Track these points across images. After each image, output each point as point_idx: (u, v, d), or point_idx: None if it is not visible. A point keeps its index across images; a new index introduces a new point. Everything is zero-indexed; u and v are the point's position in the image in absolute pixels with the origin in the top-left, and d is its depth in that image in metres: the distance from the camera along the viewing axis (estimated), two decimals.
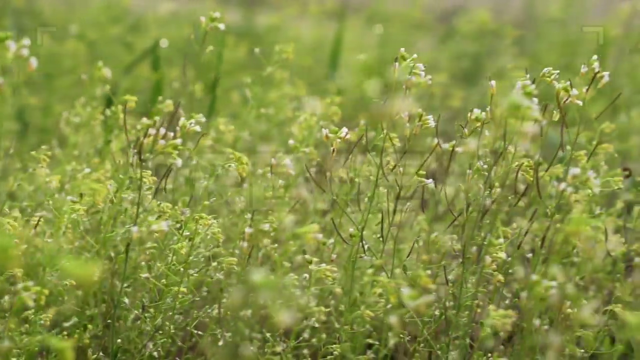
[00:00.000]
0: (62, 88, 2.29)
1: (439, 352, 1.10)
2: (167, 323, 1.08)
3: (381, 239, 1.19)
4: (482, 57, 3.28)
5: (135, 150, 1.00)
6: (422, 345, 1.11)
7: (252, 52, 2.36)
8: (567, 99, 1.08)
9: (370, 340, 1.17)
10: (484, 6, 3.59)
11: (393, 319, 0.86)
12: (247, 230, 0.99)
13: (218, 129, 1.70)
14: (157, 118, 1.12)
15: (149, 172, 1.08)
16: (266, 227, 0.98)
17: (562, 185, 0.96)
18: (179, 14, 3.11)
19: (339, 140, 1.21)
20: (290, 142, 1.38)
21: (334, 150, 1.22)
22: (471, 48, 3.13)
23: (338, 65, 2.72)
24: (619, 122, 1.88)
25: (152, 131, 0.99)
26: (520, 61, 3.03)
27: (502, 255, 1.02)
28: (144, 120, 1.00)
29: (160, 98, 1.46)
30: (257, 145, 1.74)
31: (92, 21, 2.83)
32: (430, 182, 1.15)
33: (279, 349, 1.05)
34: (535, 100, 1.03)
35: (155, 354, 1.07)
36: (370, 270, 0.99)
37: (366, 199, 1.21)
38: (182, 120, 1.21)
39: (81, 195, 1.00)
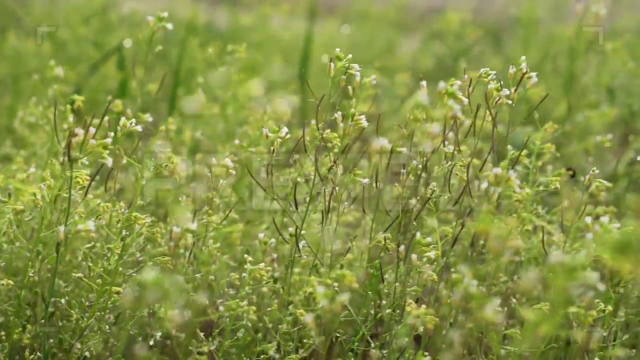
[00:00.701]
0: (28, 88, 2.29)
1: (376, 351, 1.11)
2: (101, 323, 1.08)
3: (323, 238, 1.19)
4: (459, 58, 3.29)
5: (65, 150, 1.00)
6: (357, 344, 1.11)
7: (223, 52, 2.37)
8: (498, 99, 1.09)
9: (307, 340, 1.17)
10: (464, 7, 3.60)
11: (308, 319, 0.87)
12: (175, 229, 0.99)
13: (177, 129, 1.70)
14: (94, 118, 1.12)
15: (84, 172, 1.08)
16: (193, 226, 0.98)
17: (484, 185, 0.96)
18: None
19: (279, 139, 1.22)
20: (236, 141, 1.38)
21: (273, 150, 1.22)
22: (445, 49, 3.14)
23: (308, 65, 2.72)
24: (577, 122, 1.89)
25: (79, 131, 0.99)
26: (494, 61, 3.04)
27: (431, 254, 1.03)
28: (70, 120, 1.00)
29: (109, 98, 1.46)
30: (216, 145, 1.74)
31: (64, 21, 2.83)
32: (366, 182, 1.15)
33: (205, 349, 1.05)
34: (466, 100, 1.04)
35: (87, 354, 1.07)
36: (297, 270, 1.00)
37: (307, 199, 1.21)
38: (122, 120, 1.22)
39: (9, 195, 1.00)
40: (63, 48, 2.59)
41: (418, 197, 1.06)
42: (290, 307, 1.09)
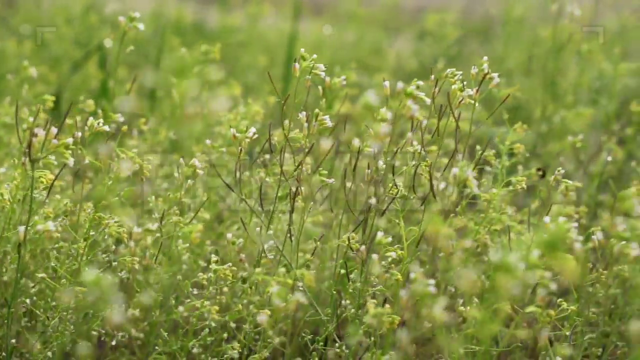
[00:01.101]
0: (8, 88, 2.28)
1: (337, 350, 1.11)
2: (65, 323, 1.08)
3: (291, 238, 1.20)
4: (443, 58, 3.29)
5: (26, 150, 1.00)
6: (321, 343, 1.12)
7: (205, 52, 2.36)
8: (461, 100, 1.09)
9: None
10: (455, 6, 3.60)
11: (261, 318, 0.87)
12: (135, 230, 0.99)
13: (154, 129, 1.70)
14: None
15: (47, 172, 1.08)
16: (154, 226, 0.98)
17: (443, 185, 0.97)
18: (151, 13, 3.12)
19: (247, 139, 1.22)
20: (207, 141, 1.38)
21: (240, 150, 1.22)
22: (430, 49, 3.14)
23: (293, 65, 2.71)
24: (554, 122, 1.89)
25: (40, 131, 0.99)
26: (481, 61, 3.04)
27: (392, 254, 1.03)
28: (30, 119, 1.00)
29: (81, 98, 1.46)
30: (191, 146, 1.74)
31: (49, 21, 2.83)
32: (331, 182, 1.16)
33: (167, 348, 1.05)
34: (428, 100, 1.04)
35: (50, 354, 1.07)
36: (258, 270, 1.00)
37: (276, 199, 1.21)
38: (90, 120, 1.22)
39: None
40: (46, 48, 2.59)
41: (378, 197, 1.06)
42: (251, 307, 1.09)
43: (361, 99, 0.89)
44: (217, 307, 1.07)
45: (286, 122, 1.19)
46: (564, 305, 1.08)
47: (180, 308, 1.09)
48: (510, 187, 1.26)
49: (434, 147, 1.27)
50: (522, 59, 2.76)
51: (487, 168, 1.35)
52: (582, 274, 1.11)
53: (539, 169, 1.39)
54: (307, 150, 1.16)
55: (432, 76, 1.16)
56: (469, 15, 3.78)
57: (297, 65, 1.15)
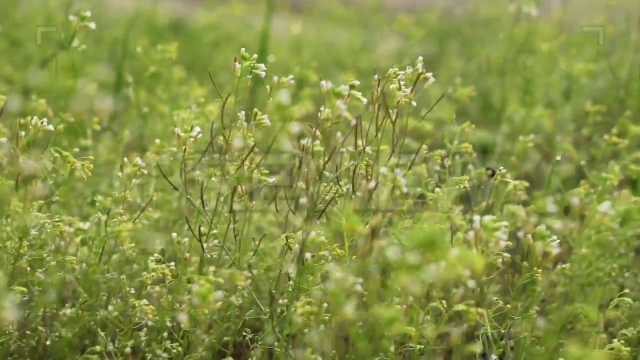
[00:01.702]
0: None
1: (276, 349, 1.11)
2: None
3: (236, 237, 1.20)
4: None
5: None
6: (260, 342, 1.12)
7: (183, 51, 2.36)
8: (399, 99, 1.10)
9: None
10: (437, 5, 3.60)
11: (182, 317, 0.87)
12: (68, 229, 0.99)
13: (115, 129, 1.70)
14: None
15: None
16: (85, 226, 0.98)
17: (372, 184, 0.97)
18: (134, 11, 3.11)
19: (191, 139, 1.22)
20: (157, 141, 1.38)
21: (185, 150, 1.23)
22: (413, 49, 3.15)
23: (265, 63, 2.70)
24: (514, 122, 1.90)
25: None
26: (457, 62, 3.05)
27: (325, 253, 1.04)
28: None
29: (33, 97, 1.46)
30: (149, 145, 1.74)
31: (25, 20, 2.83)
32: (272, 181, 1.16)
33: (98, 348, 1.06)
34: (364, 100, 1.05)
35: None
36: (190, 269, 1.00)
37: (222, 198, 1.22)
38: (34, 119, 1.22)
39: None
40: (19, 48, 2.59)
41: (310, 196, 1.06)
42: (183, 306, 1.09)
43: (273, 99, 0.89)
44: (152, 307, 1.07)
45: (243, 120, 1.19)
46: (500, 303, 1.09)
47: (110, 307, 1.09)
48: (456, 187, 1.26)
49: (383, 147, 1.28)
50: (495, 58, 2.76)
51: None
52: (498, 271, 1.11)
53: (488, 169, 1.39)
54: (251, 149, 1.16)
55: (375, 76, 1.16)
56: (453, 15, 3.79)
57: (237, 65, 1.15)
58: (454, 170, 1.41)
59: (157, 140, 1.38)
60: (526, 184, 1.36)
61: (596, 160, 1.63)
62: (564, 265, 1.29)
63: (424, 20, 3.37)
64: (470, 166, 1.42)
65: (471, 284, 0.83)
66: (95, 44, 2.78)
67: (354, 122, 1.05)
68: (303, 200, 1.05)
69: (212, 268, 0.95)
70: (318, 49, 3.19)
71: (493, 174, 1.39)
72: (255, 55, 1.16)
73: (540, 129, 2.02)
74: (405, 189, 0.97)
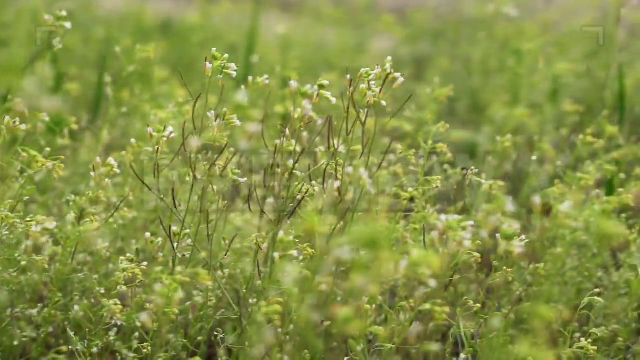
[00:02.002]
0: None
1: (245, 349, 1.11)
2: None
3: (208, 237, 1.20)
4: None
5: None
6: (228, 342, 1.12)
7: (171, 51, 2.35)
8: (370, 99, 1.10)
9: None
10: (430, 5, 3.59)
11: (143, 317, 0.87)
12: (34, 228, 0.99)
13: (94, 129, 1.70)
14: None
15: None
16: (51, 225, 0.98)
17: (337, 184, 0.97)
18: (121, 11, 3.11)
19: (164, 139, 1.22)
20: (132, 140, 1.38)
21: (158, 149, 1.23)
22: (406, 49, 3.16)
23: (251, 64, 2.70)
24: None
25: None
26: (445, 62, 3.05)
27: (293, 252, 1.04)
28: None
29: (9, 97, 1.46)
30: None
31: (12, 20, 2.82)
32: (243, 181, 1.16)
33: (64, 348, 1.06)
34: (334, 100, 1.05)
35: None
36: (158, 269, 1.00)
37: (196, 198, 1.22)
38: (6, 119, 1.22)
39: None
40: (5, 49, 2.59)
41: (275, 196, 1.07)
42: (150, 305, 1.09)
43: (232, 98, 0.89)
44: (120, 307, 1.07)
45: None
46: (470, 302, 1.09)
47: (76, 307, 1.09)
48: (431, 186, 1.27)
49: (357, 147, 1.28)
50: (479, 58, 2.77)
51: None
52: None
53: (463, 168, 1.40)
54: (222, 149, 1.16)
55: (348, 75, 1.16)
56: (444, 14, 3.78)
57: (208, 64, 1.15)
58: (432, 171, 1.41)
59: (133, 140, 1.38)
60: (501, 183, 1.36)
61: (580, 160, 1.63)
62: (537, 265, 1.29)
63: (414, 19, 3.37)
64: (446, 166, 1.42)
65: (433, 283, 0.83)
66: (84, 44, 2.79)
67: (320, 122, 1.05)
68: (270, 200, 1.06)
69: (179, 268, 0.95)
70: (307, 49, 3.18)
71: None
72: (226, 56, 1.16)
73: (525, 128, 2.02)
74: (370, 189, 0.97)
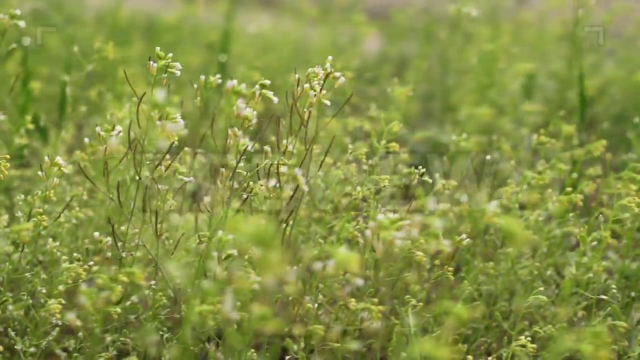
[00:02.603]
0: None
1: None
2: None
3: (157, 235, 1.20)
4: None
5: None
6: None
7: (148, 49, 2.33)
8: (314, 98, 1.10)
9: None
10: (415, 3, 3.59)
11: (70, 317, 0.87)
12: None
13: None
14: None
15: None
16: None
17: (272, 183, 0.97)
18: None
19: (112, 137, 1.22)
20: (86, 140, 1.38)
21: (106, 148, 1.23)
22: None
23: (228, 61, 2.69)
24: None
25: None
26: (421, 61, 3.05)
27: (233, 252, 1.04)
28: None
29: None
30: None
31: None
32: (190, 180, 1.16)
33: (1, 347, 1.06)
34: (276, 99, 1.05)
35: None
36: (97, 268, 1.00)
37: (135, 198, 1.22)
38: None
39: None
40: None
41: (211, 195, 1.07)
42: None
43: (149, 98, 0.89)
44: (59, 306, 1.07)
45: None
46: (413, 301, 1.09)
47: (10, 307, 1.09)
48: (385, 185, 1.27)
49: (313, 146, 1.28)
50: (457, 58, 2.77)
51: None
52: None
53: (416, 168, 1.40)
54: (169, 149, 1.16)
55: (297, 75, 1.17)
56: (428, 14, 3.78)
57: (153, 64, 1.15)
58: (384, 170, 1.41)
59: (86, 140, 1.38)
60: (454, 182, 1.37)
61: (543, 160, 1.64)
62: (486, 264, 1.30)
63: (396, 19, 3.37)
64: (399, 165, 1.42)
65: (359, 282, 0.84)
66: (63, 43, 2.78)
67: (254, 120, 1.05)
68: (206, 198, 1.06)
69: (114, 267, 0.95)
70: (287, 48, 3.16)
71: (423, 174, 1.39)
72: (171, 55, 1.16)
73: (493, 128, 2.02)
74: (305, 188, 0.98)
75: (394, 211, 1.41)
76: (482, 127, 1.99)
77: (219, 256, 1.02)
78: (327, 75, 1.09)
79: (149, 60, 1.14)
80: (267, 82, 1.06)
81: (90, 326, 1.02)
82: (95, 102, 2.04)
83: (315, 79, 1.11)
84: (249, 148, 1.11)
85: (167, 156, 1.18)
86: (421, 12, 3.66)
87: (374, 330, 1.00)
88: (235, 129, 1.04)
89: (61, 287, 1.10)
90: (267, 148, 1.15)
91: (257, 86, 1.07)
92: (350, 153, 1.29)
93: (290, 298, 1.08)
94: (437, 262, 1.15)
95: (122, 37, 2.91)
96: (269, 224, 0.71)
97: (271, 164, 1.12)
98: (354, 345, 0.92)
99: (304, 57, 3.16)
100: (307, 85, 1.11)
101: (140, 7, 3.30)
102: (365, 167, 1.33)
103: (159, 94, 0.90)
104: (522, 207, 1.42)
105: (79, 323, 0.93)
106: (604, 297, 1.19)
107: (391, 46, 3.34)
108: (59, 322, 1.10)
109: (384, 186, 1.24)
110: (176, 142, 1.17)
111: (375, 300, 0.99)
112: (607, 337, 0.79)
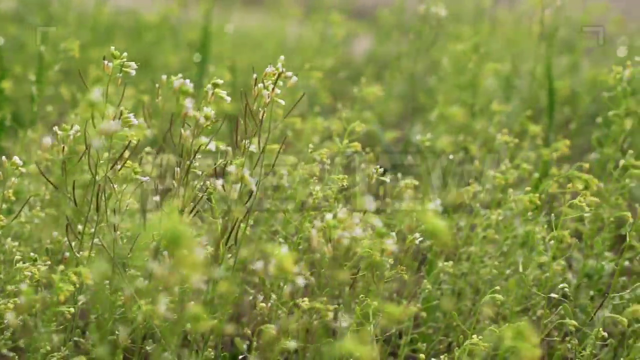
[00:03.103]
0: None
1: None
2: None
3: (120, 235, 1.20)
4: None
5: None
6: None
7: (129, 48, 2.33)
8: (268, 98, 1.10)
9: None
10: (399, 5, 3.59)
11: (9, 317, 0.87)
12: None
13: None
14: None
15: None
16: None
17: (218, 182, 0.98)
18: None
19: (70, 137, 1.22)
20: (46, 140, 1.38)
21: (63, 149, 1.23)
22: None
23: (207, 61, 2.67)
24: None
25: None
26: (405, 61, 3.04)
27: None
28: None
29: None
30: None
31: None
32: (146, 180, 1.16)
33: None
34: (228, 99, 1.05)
35: None
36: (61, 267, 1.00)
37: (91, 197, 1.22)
38: None
39: None
40: None
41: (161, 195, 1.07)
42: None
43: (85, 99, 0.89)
44: (10, 306, 1.07)
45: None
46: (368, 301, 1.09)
47: None
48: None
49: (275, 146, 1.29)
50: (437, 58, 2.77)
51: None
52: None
53: (379, 167, 1.40)
54: (125, 149, 1.16)
55: (254, 75, 1.16)
56: (414, 14, 3.77)
57: (108, 63, 1.15)
58: (348, 170, 1.41)
59: (47, 140, 1.38)
60: (416, 182, 1.37)
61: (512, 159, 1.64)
62: (446, 263, 1.30)
63: (382, 19, 3.37)
64: (362, 165, 1.42)
65: (301, 281, 0.84)
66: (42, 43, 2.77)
67: (201, 119, 1.05)
68: (156, 198, 1.06)
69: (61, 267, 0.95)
70: (270, 46, 3.15)
71: (384, 173, 1.39)
72: (125, 54, 1.16)
73: (469, 127, 2.03)
74: (254, 188, 0.97)
75: (352, 211, 1.41)
76: (456, 128, 1.99)
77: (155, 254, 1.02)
78: (279, 75, 1.09)
79: (103, 59, 1.14)
80: (220, 81, 1.06)
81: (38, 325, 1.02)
82: (68, 101, 2.04)
83: (270, 79, 1.11)
84: (210, 147, 1.11)
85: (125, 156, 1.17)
86: (403, 12, 3.66)
87: (313, 328, 1.01)
88: (185, 130, 1.04)
89: (9, 287, 1.10)
90: (223, 147, 1.15)
91: (210, 86, 1.07)
92: (311, 152, 1.29)
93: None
94: (390, 261, 1.15)
95: (104, 37, 2.91)
96: (184, 224, 0.71)
97: (225, 164, 1.11)
98: (292, 345, 0.92)
99: (288, 56, 3.15)
100: (260, 85, 1.11)
101: (128, 5, 3.30)
102: (327, 167, 1.33)
103: (95, 94, 0.90)
104: (487, 206, 1.43)
105: (18, 322, 0.93)
106: (554, 295, 1.19)
107: (380, 46, 3.34)
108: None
109: (343, 185, 1.24)
110: (134, 142, 1.17)
111: (325, 299, 0.99)
112: (531, 334, 0.79)
